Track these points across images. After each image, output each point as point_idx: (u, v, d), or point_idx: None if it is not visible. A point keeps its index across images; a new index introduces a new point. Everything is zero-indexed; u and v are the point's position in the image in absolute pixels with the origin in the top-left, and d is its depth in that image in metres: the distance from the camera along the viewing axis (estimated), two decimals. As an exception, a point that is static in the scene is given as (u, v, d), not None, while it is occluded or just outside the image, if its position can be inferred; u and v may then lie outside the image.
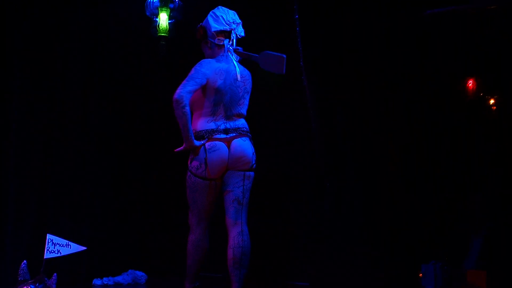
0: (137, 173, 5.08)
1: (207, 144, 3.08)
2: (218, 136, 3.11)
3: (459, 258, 4.06)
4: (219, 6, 3.30)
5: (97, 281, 4.51)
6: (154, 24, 4.64)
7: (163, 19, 4.61)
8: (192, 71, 3.08)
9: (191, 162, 3.12)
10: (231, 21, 3.23)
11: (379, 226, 4.36)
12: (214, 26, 3.20)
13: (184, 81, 3.02)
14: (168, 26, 4.62)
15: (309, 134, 4.55)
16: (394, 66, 4.48)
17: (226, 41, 3.22)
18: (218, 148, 3.11)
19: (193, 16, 4.51)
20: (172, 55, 4.82)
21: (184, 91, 2.99)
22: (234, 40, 3.24)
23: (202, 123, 3.14)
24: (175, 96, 2.96)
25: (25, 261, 3.07)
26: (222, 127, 3.13)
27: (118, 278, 4.59)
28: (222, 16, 3.21)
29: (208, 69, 3.10)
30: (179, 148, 3.11)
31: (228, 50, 3.24)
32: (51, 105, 4.37)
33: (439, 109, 4.37)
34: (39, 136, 4.30)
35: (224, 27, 3.21)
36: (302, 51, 4.54)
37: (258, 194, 5.09)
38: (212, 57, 3.23)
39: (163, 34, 4.60)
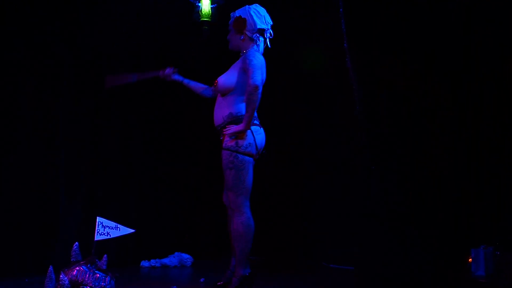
0: (184, 157, 5.14)
1: (252, 128, 3.25)
2: (256, 122, 3.32)
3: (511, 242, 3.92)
4: (258, 5, 3.49)
5: (144, 263, 4.62)
6: (196, 9, 4.65)
7: (206, 4, 4.61)
8: (256, 61, 3.26)
9: (238, 143, 3.20)
10: (269, 21, 3.47)
11: (426, 210, 4.27)
12: (259, 23, 3.40)
13: (257, 70, 3.23)
14: (210, 10, 4.62)
15: (354, 116, 4.48)
16: (439, 46, 4.34)
17: (261, 38, 3.44)
18: (261, 132, 3.34)
19: (235, 1, 4.51)
20: (214, 39, 4.82)
21: (262, 78, 3.28)
22: (268, 40, 3.47)
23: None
24: (257, 82, 3.19)
25: (77, 243, 3.17)
26: (255, 114, 3.32)
27: (165, 260, 4.68)
28: (264, 16, 3.46)
29: (263, 62, 3.36)
30: (234, 129, 3.20)
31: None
32: (96, 96, 4.48)
33: (489, 87, 4.20)
34: (87, 124, 4.43)
35: (264, 26, 3.43)
36: (345, 33, 4.45)
37: (302, 177, 5.12)
38: (240, 48, 3.43)
39: (205, 19, 4.61)
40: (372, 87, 4.50)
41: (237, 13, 3.43)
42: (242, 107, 3.27)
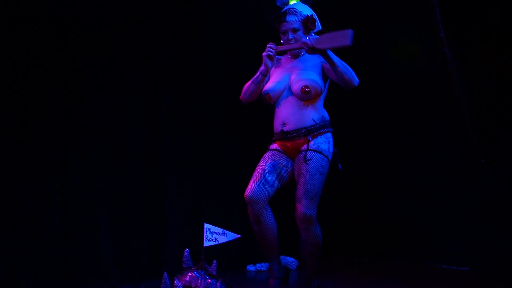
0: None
1: (330, 135, 3.16)
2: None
3: None
4: None
5: (250, 267, 4.69)
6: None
7: (294, 7, 4.59)
8: None
9: (329, 148, 3.08)
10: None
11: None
12: (318, 27, 3.18)
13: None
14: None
15: (457, 109, 4.27)
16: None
17: None
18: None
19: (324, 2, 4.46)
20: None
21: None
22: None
23: None
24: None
25: (187, 249, 3.27)
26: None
27: (270, 264, 4.71)
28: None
29: None
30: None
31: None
32: (195, 104, 4.62)
33: None
34: (188, 134, 4.56)
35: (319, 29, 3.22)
36: (441, 21, 4.26)
37: (409, 174, 4.94)
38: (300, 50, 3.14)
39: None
40: (475, 76, 4.27)
41: (303, 11, 3.10)
42: (326, 112, 3.14)
